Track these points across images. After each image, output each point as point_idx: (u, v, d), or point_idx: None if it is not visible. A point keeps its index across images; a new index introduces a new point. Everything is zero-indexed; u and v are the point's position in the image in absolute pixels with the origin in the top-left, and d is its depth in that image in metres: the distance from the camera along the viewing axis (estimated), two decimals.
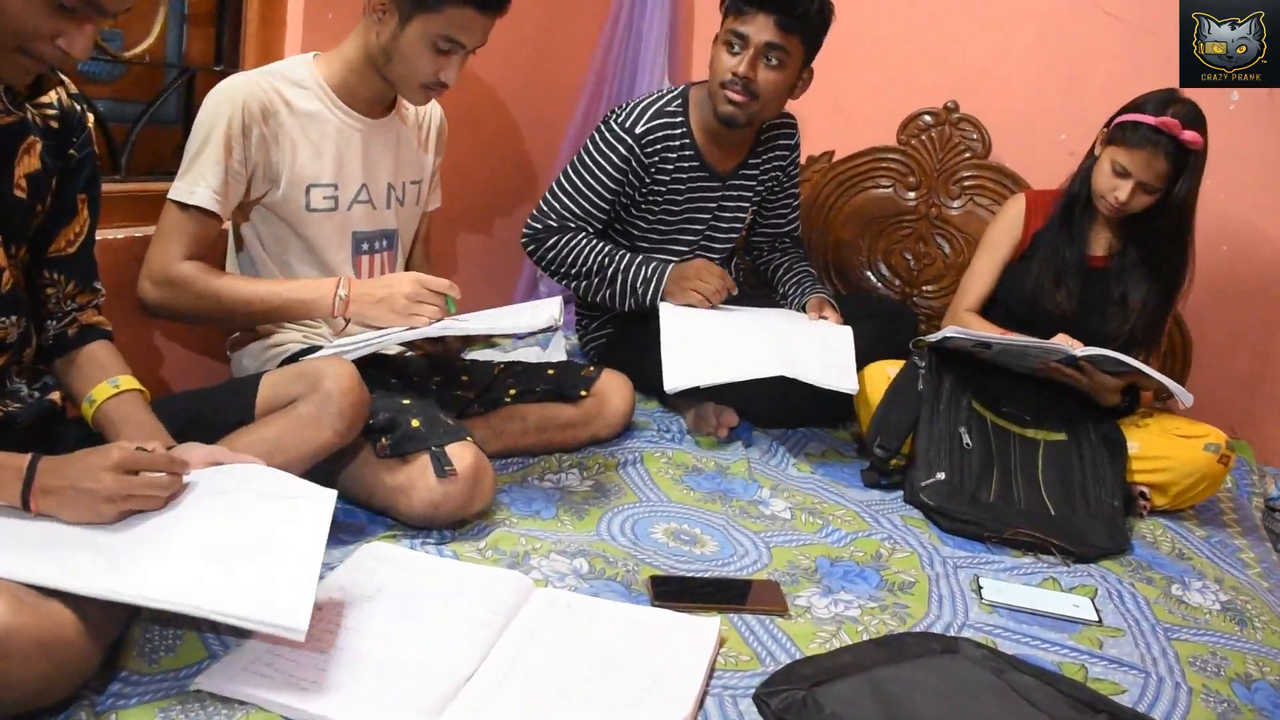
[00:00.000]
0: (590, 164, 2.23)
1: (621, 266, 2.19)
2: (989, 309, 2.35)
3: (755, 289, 2.71)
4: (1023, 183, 2.63)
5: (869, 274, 2.82)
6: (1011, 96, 2.71)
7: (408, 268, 2.01)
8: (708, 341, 2.06)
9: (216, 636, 1.24)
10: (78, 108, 1.40)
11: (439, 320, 1.68)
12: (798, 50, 2.14)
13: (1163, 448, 2.05)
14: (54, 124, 1.36)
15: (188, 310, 1.65)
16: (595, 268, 2.20)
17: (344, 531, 1.57)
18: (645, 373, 2.11)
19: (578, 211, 2.23)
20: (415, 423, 1.61)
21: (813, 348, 2.08)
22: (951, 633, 1.47)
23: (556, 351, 2.60)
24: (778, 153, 2.40)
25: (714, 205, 2.34)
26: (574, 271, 2.22)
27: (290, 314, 1.70)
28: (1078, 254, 2.19)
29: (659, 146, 2.22)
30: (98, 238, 1.68)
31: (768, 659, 1.34)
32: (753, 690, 1.24)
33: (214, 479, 1.27)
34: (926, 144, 2.74)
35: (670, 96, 2.27)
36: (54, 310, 1.44)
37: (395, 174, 1.87)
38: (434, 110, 1.98)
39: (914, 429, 2.03)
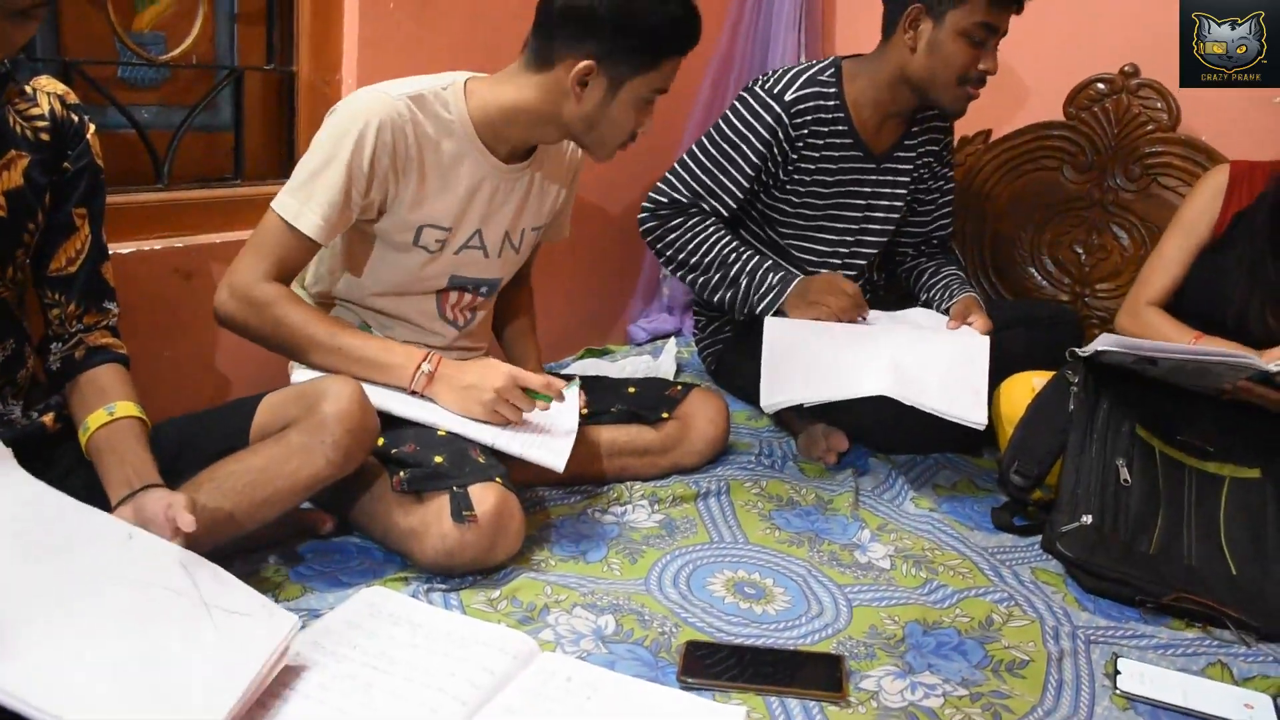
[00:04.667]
0: (731, 135, 1.97)
1: (748, 267, 1.92)
2: (1177, 309, 1.93)
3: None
4: (1219, 158, 2.18)
5: (1032, 270, 2.43)
6: None
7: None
8: (814, 356, 1.79)
9: None
10: (74, 118, 1.33)
11: (518, 423, 1.52)
12: None
13: None
14: (44, 136, 1.29)
15: (257, 333, 1.50)
16: (718, 261, 1.94)
17: (350, 572, 1.40)
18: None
19: (712, 186, 1.97)
20: (439, 458, 1.42)
21: (937, 367, 1.76)
22: None
23: (668, 360, 2.38)
24: (932, 134, 2.11)
25: (868, 190, 2.06)
26: (693, 261, 1.96)
27: (363, 372, 1.50)
28: None
29: (809, 118, 1.96)
30: (133, 249, 1.63)
31: None
32: None
33: (165, 569, 1.11)
34: (1100, 117, 2.32)
35: (821, 66, 2.01)
36: (60, 332, 1.37)
37: (515, 223, 1.68)
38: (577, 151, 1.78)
39: (1060, 457, 1.68)
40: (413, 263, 1.60)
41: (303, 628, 1.22)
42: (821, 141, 1.98)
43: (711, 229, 1.95)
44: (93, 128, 1.35)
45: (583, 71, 1.50)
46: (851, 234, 2.09)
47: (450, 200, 1.57)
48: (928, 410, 1.69)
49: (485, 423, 1.49)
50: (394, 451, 1.44)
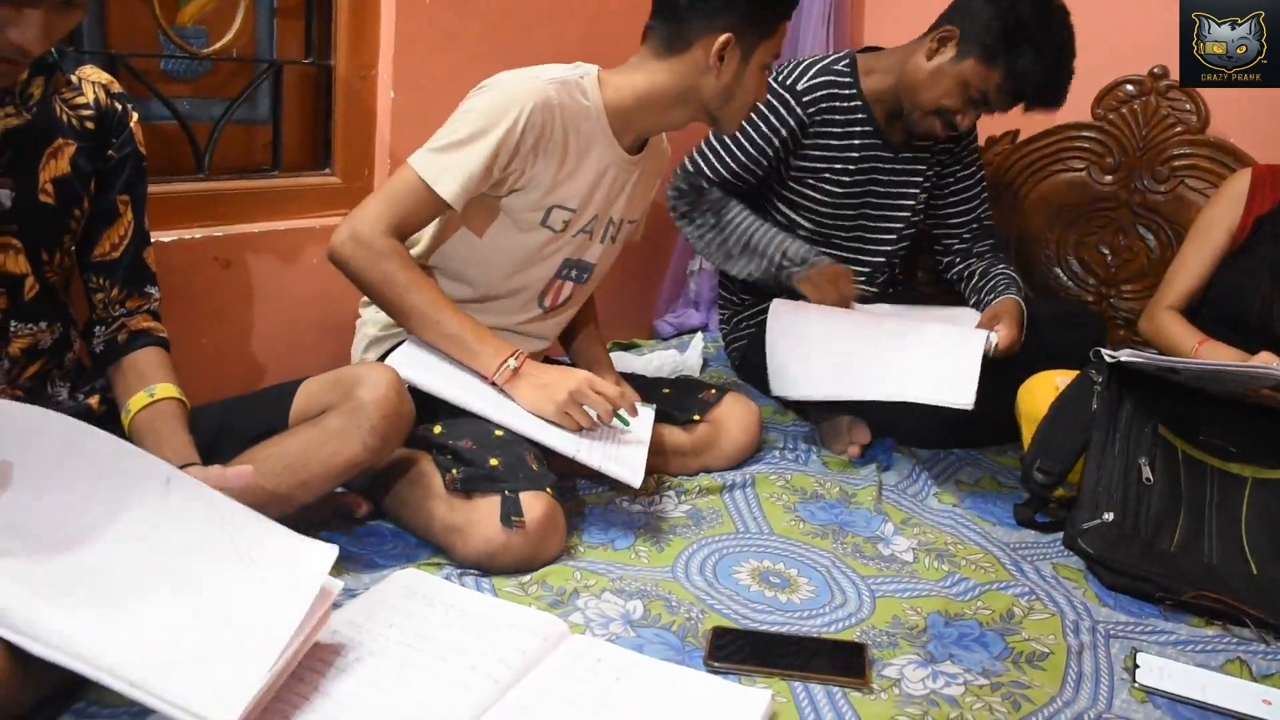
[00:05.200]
0: (745, 123, 2.02)
1: (771, 233, 2.00)
2: (1200, 314, 1.95)
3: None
4: (1247, 160, 2.19)
5: (1058, 271, 2.44)
6: None
7: None
8: (817, 351, 1.84)
9: None
10: (118, 107, 1.36)
11: (594, 427, 1.55)
12: None
13: None
14: (90, 125, 1.32)
15: (365, 279, 1.53)
16: (746, 239, 2.01)
17: (385, 555, 1.44)
18: None
19: (733, 167, 2.05)
20: (494, 461, 1.45)
21: (931, 358, 1.79)
22: None
23: (694, 355, 2.40)
24: None
25: (885, 179, 2.10)
26: (719, 239, 2.03)
27: (452, 347, 1.54)
28: None
29: (823, 106, 2.02)
30: (174, 238, 1.68)
31: None
32: None
33: (202, 521, 1.14)
34: (1128, 118, 2.33)
35: (836, 57, 2.07)
36: (103, 316, 1.41)
37: (621, 212, 1.73)
38: (668, 146, 1.85)
39: (1083, 456, 1.69)
40: (535, 241, 1.64)
41: (339, 606, 1.27)
42: (839, 130, 2.04)
43: (736, 208, 2.02)
44: (135, 116, 1.38)
45: (724, 44, 1.57)
46: (873, 220, 2.13)
47: (581, 183, 1.62)
48: (921, 401, 1.74)
49: (557, 425, 1.53)
50: (451, 443, 1.47)
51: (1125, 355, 1.65)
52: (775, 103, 2.01)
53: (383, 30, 1.90)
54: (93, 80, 1.35)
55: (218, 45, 1.75)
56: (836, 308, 1.97)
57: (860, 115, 2.04)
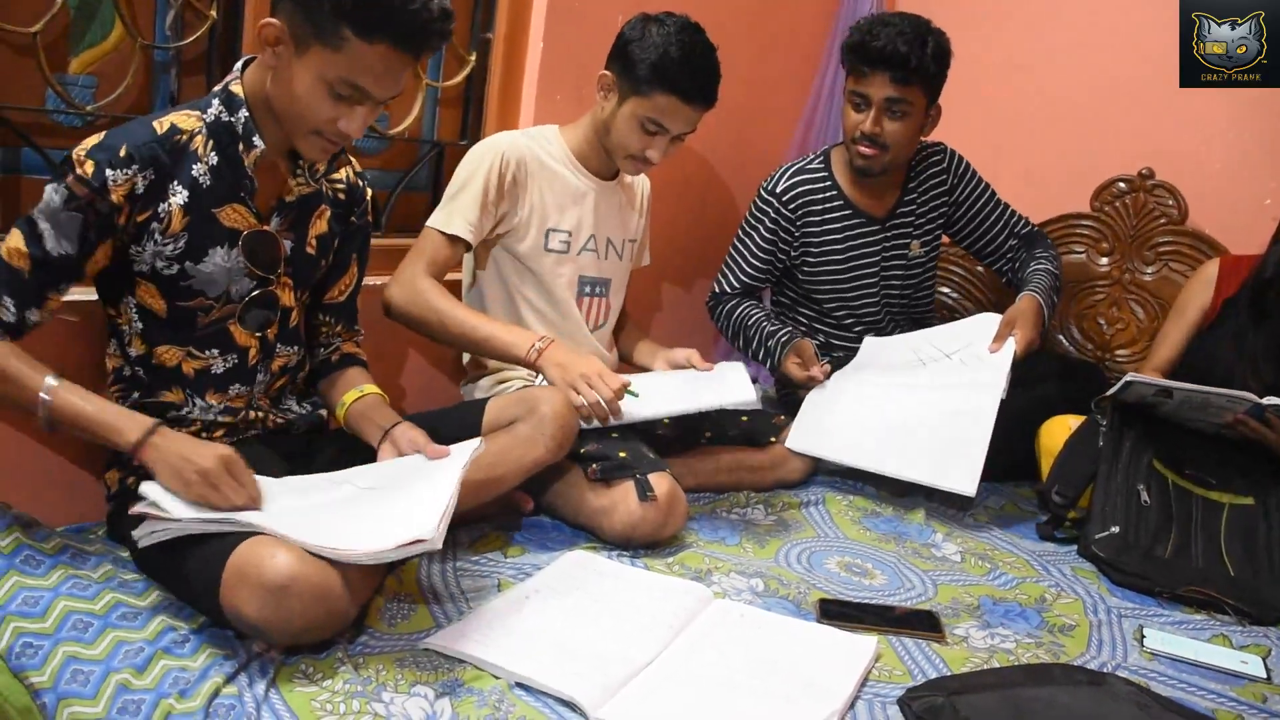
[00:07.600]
0: (744, 232, 2.48)
1: (763, 325, 2.39)
2: (1178, 374, 2.35)
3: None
4: (1220, 248, 2.61)
5: (1061, 337, 2.86)
6: (1209, 161, 2.69)
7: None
8: (841, 418, 2.17)
9: (441, 610, 1.50)
10: (360, 184, 1.73)
11: (606, 401, 1.81)
12: (919, 98, 2.28)
13: None
14: (341, 195, 1.69)
15: (417, 317, 1.91)
16: (743, 332, 2.42)
17: (551, 541, 1.80)
18: None
19: (742, 277, 2.48)
20: (622, 454, 1.84)
21: (940, 440, 2.08)
22: (1105, 671, 1.54)
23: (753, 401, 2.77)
24: (933, 180, 2.50)
25: (877, 248, 2.47)
26: (731, 330, 2.46)
27: (491, 348, 1.92)
28: (1270, 341, 2.18)
29: (803, 200, 2.43)
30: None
31: (919, 675, 1.46)
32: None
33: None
34: (1120, 210, 2.76)
35: (812, 157, 2.51)
36: (323, 343, 1.77)
37: (616, 230, 2.16)
38: (645, 178, 2.25)
39: (1092, 483, 2.08)
40: (548, 265, 2.06)
41: (528, 576, 1.63)
42: (819, 217, 2.44)
43: (745, 309, 2.43)
44: (370, 192, 1.76)
45: (602, 80, 2.01)
46: (874, 286, 2.49)
47: (566, 207, 2.06)
48: (924, 484, 2.06)
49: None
50: (582, 450, 1.84)
51: (1130, 377, 2.02)
52: (765, 207, 2.44)
53: (522, 118, 2.30)
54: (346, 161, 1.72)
55: (399, 128, 2.15)
56: (872, 376, 2.27)
57: (838, 201, 2.44)
